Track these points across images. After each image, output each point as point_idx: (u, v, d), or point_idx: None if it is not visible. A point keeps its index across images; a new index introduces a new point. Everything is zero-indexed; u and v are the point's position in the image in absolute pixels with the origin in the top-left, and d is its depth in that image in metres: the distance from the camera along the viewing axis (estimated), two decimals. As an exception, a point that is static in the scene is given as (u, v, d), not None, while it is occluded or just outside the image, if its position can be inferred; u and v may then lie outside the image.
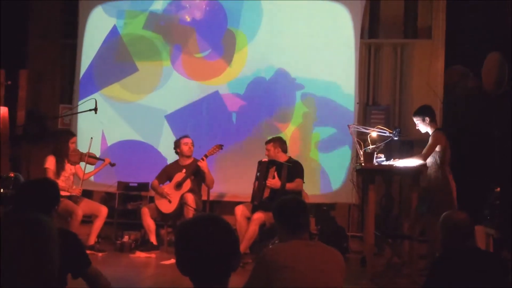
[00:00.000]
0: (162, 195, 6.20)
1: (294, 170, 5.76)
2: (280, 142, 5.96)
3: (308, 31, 7.17)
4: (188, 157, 6.33)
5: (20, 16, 7.69)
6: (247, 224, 5.72)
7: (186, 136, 6.38)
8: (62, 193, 5.45)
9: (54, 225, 1.81)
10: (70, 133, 6.39)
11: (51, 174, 5.98)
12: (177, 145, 6.37)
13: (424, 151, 5.25)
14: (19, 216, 1.75)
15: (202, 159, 6.15)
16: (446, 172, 5.28)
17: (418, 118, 5.40)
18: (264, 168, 5.87)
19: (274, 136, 6.23)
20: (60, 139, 6.23)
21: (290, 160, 5.90)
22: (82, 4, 7.69)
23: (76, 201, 6.01)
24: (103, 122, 7.23)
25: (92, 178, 6.70)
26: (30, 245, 1.64)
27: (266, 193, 5.78)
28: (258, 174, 5.91)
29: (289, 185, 5.68)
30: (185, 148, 6.28)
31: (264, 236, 5.74)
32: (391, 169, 5.37)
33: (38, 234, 1.67)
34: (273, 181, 5.70)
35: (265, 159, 5.97)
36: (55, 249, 1.71)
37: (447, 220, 2.95)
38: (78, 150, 6.28)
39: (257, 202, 5.81)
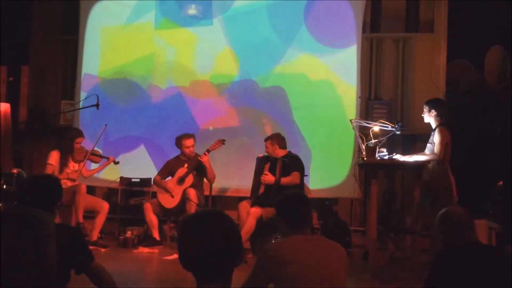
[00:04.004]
0: (165, 189, 6.21)
1: (291, 164, 5.77)
2: (277, 139, 5.96)
3: (310, 26, 7.16)
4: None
5: (22, 13, 7.69)
6: None
7: (188, 137, 6.28)
8: (64, 187, 5.47)
9: (52, 221, 1.81)
10: (79, 133, 6.29)
11: (50, 170, 5.99)
12: (178, 144, 6.34)
13: (436, 149, 5.19)
14: (16, 211, 1.75)
15: (204, 154, 6.15)
16: (447, 167, 5.28)
17: (426, 107, 5.42)
18: (259, 164, 5.90)
19: (273, 133, 6.23)
20: (67, 136, 6.22)
21: (288, 155, 5.90)
22: (83, 0, 7.69)
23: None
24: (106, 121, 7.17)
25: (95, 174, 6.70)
26: (26, 240, 1.64)
27: (262, 189, 5.80)
28: (255, 170, 5.93)
29: (284, 180, 5.69)
30: (186, 151, 6.27)
31: (261, 230, 5.76)
32: (393, 163, 5.37)
33: (34, 229, 1.67)
34: (267, 177, 5.73)
35: (262, 154, 6.00)
36: (52, 245, 1.71)
37: (445, 217, 2.95)
38: (83, 148, 6.29)
39: (253, 198, 5.83)
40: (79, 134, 6.27)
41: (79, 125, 7.23)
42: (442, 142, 5.19)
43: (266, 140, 6.02)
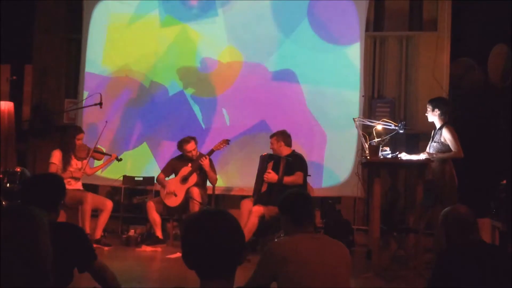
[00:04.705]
0: (167, 190, 6.20)
1: (294, 163, 5.76)
2: (283, 136, 5.96)
3: (313, 24, 7.16)
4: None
5: (26, 11, 7.70)
6: None
7: (187, 142, 6.23)
8: (68, 186, 5.47)
9: (46, 218, 1.81)
10: (78, 129, 6.35)
11: (54, 169, 6.00)
12: (180, 149, 6.31)
13: (455, 148, 5.21)
14: (10, 208, 1.77)
15: (205, 157, 6.13)
16: (451, 165, 5.28)
17: (429, 107, 5.42)
18: (263, 163, 5.90)
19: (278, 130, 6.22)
20: (67, 134, 6.24)
21: (292, 153, 5.89)
22: (87, -1, 7.72)
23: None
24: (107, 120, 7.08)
25: (99, 171, 6.70)
26: (19, 237, 1.66)
27: (264, 187, 5.80)
28: (258, 168, 5.93)
29: (287, 179, 5.68)
30: (189, 155, 6.25)
31: (264, 229, 5.75)
32: (396, 162, 5.36)
33: (27, 226, 1.68)
34: (270, 176, 5.72)
35: (265, 153, 5.99)
36: (46, 240, 1.72)
37: (448, 216, 2.94)
38: (85, 145, 6.29)
39: (256, 196, 5.83)
40: (79, 130, 6.31)
41: (82, 124, 7.24)
42: (457, 140, 5.22)
43: (271, 136, 6.02)
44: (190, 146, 6.23)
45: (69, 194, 5.23)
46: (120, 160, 6.48)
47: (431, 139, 5.49)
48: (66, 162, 6.12)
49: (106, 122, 6.30)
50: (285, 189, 4.80)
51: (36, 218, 1.73)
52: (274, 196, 5.47)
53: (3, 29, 7.19)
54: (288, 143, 5.96)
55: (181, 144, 6.28)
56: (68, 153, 6.14)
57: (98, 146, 6.36)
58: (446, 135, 5.26)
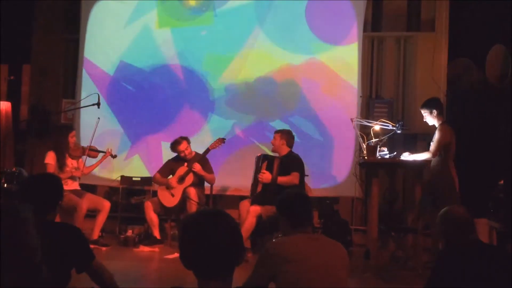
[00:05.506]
0: (167, 185, 6.19)
1: (290, 164, 5.75)
2: (287, 135, 5.94)
3: (311, 25, 7.16)
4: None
5: (24, 11, 7.69)
6: None
7: (179, 143, 6.22)
8: (65, 186, 5.45)
9: (30, 211, 1.81)
10: (69, 128, 6.39)
11: (51, 170, 5.98)
12: (174, 150, 6.29)
13: (432, 148, 5.18)
14: None
15: (195, 163, 6.11)
16: (449, 166, 5.25)
17: (426, 111, 5.36)
18: (257, 163, 5.92)
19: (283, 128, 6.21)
20: (60, 134, 6.23)
21: (289, 154, 5.88)
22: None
23: (80, 195, 6.00)
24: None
25: (95, 170, 6.67)
26: (6, 233, 1.66)
27: (259, 188, 5.80)
28: (254, 168, 5.95)
29: (281, 179, 5.67)
30: (182, 156, 6.24)
31: (261, 229, 5.75)
32: (394, 162, 5.36)
33: (13, 222, 1.69)
34: (264, 176, 5.72)
35: (260, 153, 5.99)
36: (33, 235, 1.73)
37: (446, 216, 2.94)
38: (79, 144, 6.29)
39: (252, 197, 5.83)
40: (70, 128, 6.35)
41: (79, 124, 7.23)
42: (439, 141, 5.15)
43: (276, 132, 6.00)
44: (182, 147, 6.22)
45: (65, 197, 5.23)
46: (115, 156, 6.45)
47: (432, 139, 5.48)
48: (61, 162, 6.10)
49: (99, 118, 6.24)
50: (279, 189, 4.80)
51: (21, 213, 1.73)
52: (268, 196, 5.48)
53: (1, 29, 7.18)
54: (290, 144, 5.94)
55: (173, 146, 6.28)
56: (62, 153, 6.12)
57: (91, 145, 6.34)
58: (436, 133, 5.23)
